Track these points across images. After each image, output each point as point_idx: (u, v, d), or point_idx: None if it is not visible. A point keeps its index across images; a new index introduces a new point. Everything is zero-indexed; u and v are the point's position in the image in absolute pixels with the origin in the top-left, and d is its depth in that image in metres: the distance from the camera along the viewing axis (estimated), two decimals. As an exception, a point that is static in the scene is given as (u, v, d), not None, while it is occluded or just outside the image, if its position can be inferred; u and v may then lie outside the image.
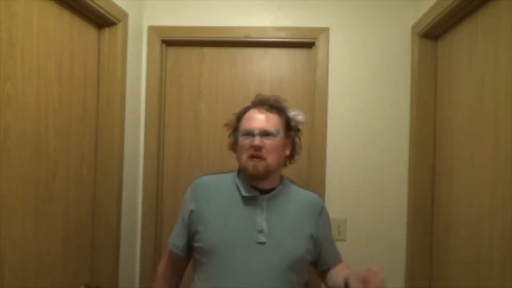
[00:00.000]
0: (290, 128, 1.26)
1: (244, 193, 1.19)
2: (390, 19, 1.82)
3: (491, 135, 1.24)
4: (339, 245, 1.37)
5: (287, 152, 1.26)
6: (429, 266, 1.69)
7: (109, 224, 1.60)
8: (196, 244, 1.19)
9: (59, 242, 1.37)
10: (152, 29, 1.87)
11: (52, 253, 1.33)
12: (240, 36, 1.85)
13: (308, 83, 1.88)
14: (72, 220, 1.45)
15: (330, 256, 1.29)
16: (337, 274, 1.23)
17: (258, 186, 1.21)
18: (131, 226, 1.80)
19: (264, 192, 1.21)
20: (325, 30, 1.83)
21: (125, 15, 1.64)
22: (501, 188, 1.17)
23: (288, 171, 1.88)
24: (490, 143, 1.24)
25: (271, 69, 1.90)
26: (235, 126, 1.27)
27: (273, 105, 1.23)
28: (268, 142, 1.17)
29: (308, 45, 1.87)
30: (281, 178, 1.28)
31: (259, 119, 1.20)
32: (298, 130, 1.30)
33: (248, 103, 1.28)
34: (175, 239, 1.27)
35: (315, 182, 1.81)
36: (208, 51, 1.92)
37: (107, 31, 1.60)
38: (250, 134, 1.18)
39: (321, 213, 1.28)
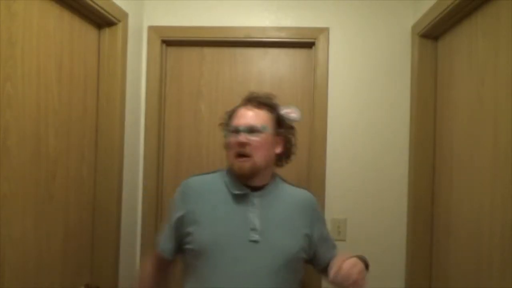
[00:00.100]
0: (281, 125, 1.23)
1: (234, 191, 1.17)
2: (390, 19, 1.82)
3: (491, 135, 1.24)
4: (339, 245, 1.37)
5: (278, 150, 1.23)
6: (429, 266, 1.69)
7: (109, 224, 1.60)
8: (187, 246, 1.15)
9: (59, 242, 1.37)
10: (152, 29, 1.87)
11: (52, 253, 1.33)
12: (240, 36, 1.85)
13: (308, 83, 1.88)
14: (72, 220, 1.45)
15: (328, 252, 1.26)
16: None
17: (248, 183, 1.18)
18: (131, 226, 1.80)
19: (255, 189, 1.18)
20: (325, 30, 1.83)
21: (125, 15, 1.64)
22: (501, 188, 1.17)
23: (288, 171, 1.88)
24: (490, 143, 1.24)
25: (271, 69, 1.90)
26: (226, 124, 1.25)
27: (262, 102, 1.21)
28: (254, 138, 1.14)
29: (308, 45, 1.87)
30: (273, 176, 1.25)
31: (246, 116, 1.17)
32: (291, 128, 1.26)
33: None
34: (165, 243, 1.23)
35: (315, 182, 1.81)
36: (208, 51, 1.92)
37: (107, 31, 1.60)
38: (236, 131, 1.16)
39: (314, 209, 1.26)
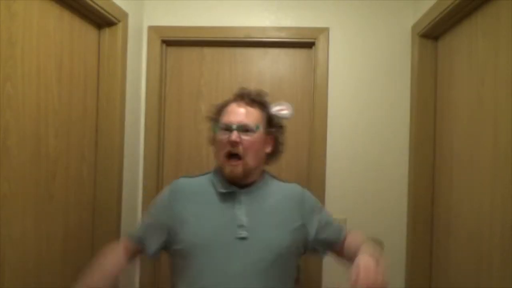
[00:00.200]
0: (271, 124, 1.20)
1: (221, 189, 1.14)
2: (390, 19, 1.82)
3: (491, 135, 1.24)
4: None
5: (268, 150, 1.20)
6: (429, 266, 1.69)
7: (109, 224, 1.60)
8: (174, 247, 1.12)
9: (59, 242, 1.37)
10: (152, 29, 1.87)
11: (52, 253, 1.33)
12: (240, 36, 1.85)
13: (308, 83, 1.88)
14: (72, 220, 1.45)
15: (333, 235, 1.21)
16: (351, 246, 1.16)
17: (236, 182, 1.15)
18: (131, 226, 1.79)
19: (243, 187, 1.16)
20: (325, 30, 1.83)
21: (125, 15, 1.64)
22: (501, 188, 1.17)
23: (288, 171, 1.90)
24: (490, 143, 1.24)
25: (271, 69, 1.90)
26: (215, 119, 1.21)
27: (254, 99, 1.18)
28: (246, 138, 1.11)
29: (308, 45, 1.87)
30: (261, 173, 1.22)
31: (238, 113, 1.14)
32: (281, 127, 1.24)
33: None
34: (149, 239, 1.17)
35: (315, 182, 1.81)
36: (208, 51, 1.92)
37: (107, 31, 1.60)
38: (228, 128, 1.12)
39: (304, 201, 1.21)
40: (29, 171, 1.20)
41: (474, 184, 1.33)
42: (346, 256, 1.18)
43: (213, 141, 1.21)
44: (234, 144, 1.10)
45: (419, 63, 1.71)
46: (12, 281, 1.13)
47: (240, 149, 1.10)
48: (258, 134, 1.14)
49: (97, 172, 1.60)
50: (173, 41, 1.90)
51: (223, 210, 1.12)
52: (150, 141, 1.87)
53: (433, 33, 1.65)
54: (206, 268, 1.06)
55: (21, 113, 1.17)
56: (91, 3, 1.39)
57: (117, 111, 1.61)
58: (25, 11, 1.18)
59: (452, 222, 1.50)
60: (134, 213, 1.83)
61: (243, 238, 1.07)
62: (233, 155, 1.12)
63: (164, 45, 1.90)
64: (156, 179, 1.87)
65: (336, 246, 1.22)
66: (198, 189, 1.18)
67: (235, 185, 1.15)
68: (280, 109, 1.22)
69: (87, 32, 1.52)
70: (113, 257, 1.19)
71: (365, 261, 0.95)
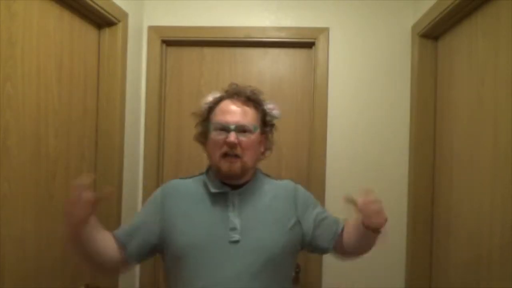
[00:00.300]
0: (265, 123, 1.16)
1: (213, 190, 1.10)
2: (390, 19, 1.82)
3: (491, 135, 1.24)
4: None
5: (262, 149, 1.17)
6: (429, 266, 1.69)
7: (109, 224, 1.59)
8: (166, 250, 1.09)
9: (59, 242, 1.37)
10: (152, 29, 1.87)
11: (52, 253, 1.33)
12: (240, 36, 1.85)
13: (308, 83, 1.88)
14: (72, 220, 1.45)
15: (330, 229, 1.17)
16: (348, 231, 1.13)
17: (228, 182, 1.11)
18: (131, 226, 1.80)
19: (235, 187, 1.11)
20: (325, 30, 1.83)
21: (125, 15, 1.64)
22: (501, 188, 1.17)
23: (288, 171, 1.89)
24: (490, 143, 1.24)
25: (271, 69, 1.90)
26: (205, 116, 1.16)
27: (250, 97, 1.12)
28: (244, 139, 1.07)
29: (308, 45, 1.87)
30: (255, 172, 1.18)
31: (235, 113, 1.09)
32: (273, 125, 1.20)
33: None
34: (132, 245, 1.10)
35: (315, 182, 1.81)
36: (208, 51, 1.92)
37: (107, 31, 1.60)
38: (224, 129, 1.07)
39: (297, 196, 1.17)
40: (29, 171, 1.20)
41: (474, 184, 1.33)
42: (346, 246, 1.14)
43: (201, 138, 1.17)
44: (232, 145, 1.05)
45: (419, 63, 1.71)
46: (12, 281, 1.13)
47: (238, 150, 1.07)
48: (255, 135, 1.10)
49: (97, 172, 1.59)
50: (173, 41, 1.90)
51: (216, 212, 1.09)
52: (150, 141, 1.87)
53: (433, 33, 1.65)
54: (199, 271, 1.03)
55: (21, 113, 1.17)
56: (91, 3, 1.39)
57: (117, 111, 1.61)
58: (25, 11, 1.18)
59: (452, 222, 1.50)
60: (134, 213, 1.83)
61: (235, 242, 1.04)
62: (230, 155, 1.08)
63: (164, 45, 1.90)
64: (156, 179, 1.87)
65: (332, 241, 1.16)
66: (190, 191, 1.15)
67: (228, 185, 1.11)
68: (272, 108, 1.18)
69: (87, 32, 1.52)
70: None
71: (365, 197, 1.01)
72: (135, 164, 1.83)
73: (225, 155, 1.07)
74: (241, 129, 1.07)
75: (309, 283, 1.80)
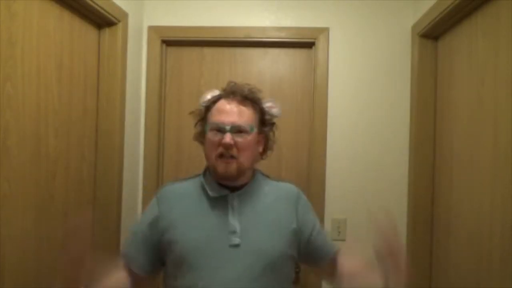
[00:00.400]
0: (264, 122, 1.13)
1: (212, 194, 1.07)
2: (390, 19, 1.82)
3: (491, 135, 1.24)
4: (339, 245, 1.32)
5: (260, 149, 1.13)
6: (429, 266, 1.69)
7: (109, 224, 1.60)
8: (165, 257, 1.08)
9: (59, 242, 1.37)
10: (152, 29, 1.87)
11: (52, 253, 1.33)
12: (240, 36, 1.85)
13: (308, 83, 1.88)
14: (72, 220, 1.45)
15: (323, 245, 1.15)
16: (356, 272, 1.08)
17: (227, 184, 1.09)
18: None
19: (234, 189, 1.09)
20: (325, 30, 1.83)
21: (125, 15, 1.64)
22: (501, 188, 1.17)
23: (288, 171, 1.89)
24: (490, 143, 1.24)
25: (271, 69, 1.90)
26: (203, 115, 1.14)
27: (247, 96, 1.09)
28: (240, 140, 1.04)
29: (308, 45, 1.87)
30: (254, 173, 1.15)
31: (230, 113, 1.06)
32: (272, 124, 1.16)
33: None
34: (136, 257, 1.09)
35: (315, 182, 1.81)
36: (208, 51, 1.92)
37: (107, 31, 1.60)
38: (220, 129, 1.04)
39: (298, 201, 1.14)
40: (29, 171, 1.20)
41: (474, 184, 1.33)
42: (338, 277, 1.12)
43: (199, 137, 1.16)
44: (227, 146, 1.03)
45: (419, 63, 1.71)
46: (12, 281, 1.13)
47: (234, 151, 1.04)
48: (252, 135, 1.07)
49: (97, 172, 1.60)
50: (173, 41, 1.90)
51: (215, 216, 1.06)
52: (150, 141, 1.87)
53: (433, 33, 1.65)
54: (200, 275, 1.02)
55: (21, 113, 1.17)
56: (91, 3, 1.39)
57: (117, 111, 1.61)
58: (25, 11, 1.18)
59: (452, 222, 1.50)
60: (134, 213, 1.83)
61: (235, 246, 1.02)
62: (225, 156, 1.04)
63: (164, 45, 1.90)
64: (156, 179, 1.87)
65: (325, 260, 1.15)
66: (187, 194, 1.12)
67: (226, 187, 1.09)
68: (271, 106, 1.15)
69: (87, 32, 1.52)
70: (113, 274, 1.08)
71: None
72: (135, 164, 1.83)
73: (221, 155, 1.04)
74: (237, 130, 1.04)
75: (309, 283, 1.80)
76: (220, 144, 1.03)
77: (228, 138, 1.02)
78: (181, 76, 1.93)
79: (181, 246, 1.04)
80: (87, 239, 0.92)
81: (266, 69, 1.90)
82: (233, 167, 1.04)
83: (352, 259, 1.15)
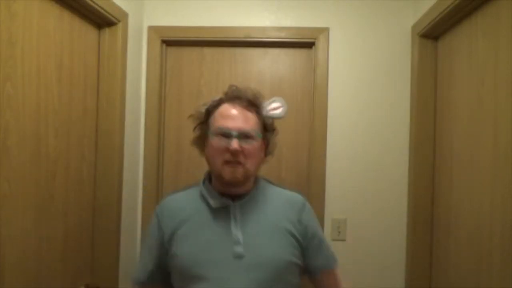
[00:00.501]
0: (266, 128, 1.11)
1: (214, 204, 1.05)
2: (390, 19, 1.82)
3: (491, 135, 1.24)
4: (339, 245, 1.32)
5: (263, 154, 1.12)
6: (429, 266, 1.69)
7: (109, 224, 1.60)
8: (171, 271, 1.07)
9: (59, 242, 1.37)
10: (152, 29, 1.87)
11: (52, 253, 1.33)
12: (240, 36, 1.85)
13: (308, 83, 1.88)
14: (72, 220, 1.45)
15: (320, 258, 1.13)
16: None
17: (229, 192, 1.07)
18: (131, 226, 1.80)
19: (236, 197, 1.07)
20: (325, 30, 1.83)
21: (125, 15, 1.64)
22: (501, 188, 1.17)
23: (288, 171, 1.90)
24: (490, 143, 1.24)
25: (271, 69, 1.90)
26: (203, 119, 1.11)
27: (251, 102, 1.07)
28: (247, 146, 1.02)
29: (308, 45, 1.87)
30: (256, 180, 1.13)
31: (236, 118, 1.03)
32: (274, 130, 1.15)
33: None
34: (143, 272, 1.11)
35: (315, 182, 1.81)
36: (208, 51, 1.92)
37: (107, 31, 1.60)
38: (225, 135, 1.02)
39: (302, 209, 1.12)
40: (29, 171, 1.20)
41: (474, 184, 1.33)
42: None
43: (199, 141, 1.13)
44: (235, 153, 1.00)
45: (419, 63, 1.71)
46: (12, 281, 1.13)
47: (241, 158, 1.01)
48: (258, 142, 1.05)
49: (97, 172, 1.60)
50: (173, 41, 1.90)
51: (217, 227, 1.04)
52: (150, 141, 1.87)
53: (433, 33, 1.65)
54: (204, 286, 1.00)
55: (21, 113, 1.17)
56: (91, 3, 1.39)
57: (117, 111, 1.61)
58: (25, 11, 1.18)
59: (452, 222, 1.50)
60: (134, 213, 1.83)
61: (239, 257, 1.01)
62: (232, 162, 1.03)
63: (164, 45, 1.90)
64: (156, 179, 1.87)
65: (316, 273, 1.14)
66: (187, 206, 1.10)
67: (228, 195, 1.07)
68: (273, 108, 1.12)
69: (87, 32, 1.52)
70: None
71: None
72: (135, 164, 1.83)
73: (227, 162, 1.02)
74: (244, 136, 1.02)
75: (309, 284, 1.80)
76: (226, 150, 1.01)
77: (235, 144, 1.00)
78: (181, 76, 1.93)
79: (185, 259, 1.03)
80: None
81: (266, 69, 1.90)
82: (239, 172, 1.02)
83: (336, 283, 1.16)
